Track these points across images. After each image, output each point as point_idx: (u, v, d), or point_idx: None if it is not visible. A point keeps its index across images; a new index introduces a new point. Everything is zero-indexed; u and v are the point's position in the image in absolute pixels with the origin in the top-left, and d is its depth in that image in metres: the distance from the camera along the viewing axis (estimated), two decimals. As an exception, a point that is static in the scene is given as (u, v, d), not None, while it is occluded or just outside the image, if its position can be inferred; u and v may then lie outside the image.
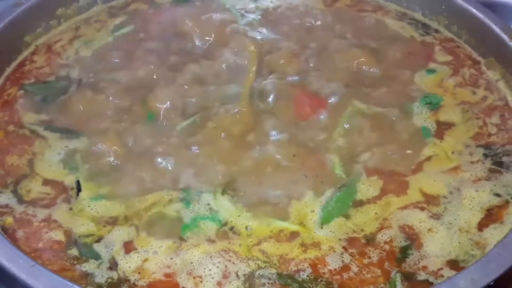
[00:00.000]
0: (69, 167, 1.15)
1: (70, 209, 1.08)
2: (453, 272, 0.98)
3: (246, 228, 1.05)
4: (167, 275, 0.98)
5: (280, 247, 1.02)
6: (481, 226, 1.06)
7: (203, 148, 1.18)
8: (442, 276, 0.98)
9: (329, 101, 1.29)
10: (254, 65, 1.36)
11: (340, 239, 1.03)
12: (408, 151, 1.19)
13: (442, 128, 1.24)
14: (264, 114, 1.26)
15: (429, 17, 1.56)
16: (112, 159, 1.16)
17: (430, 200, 1.10)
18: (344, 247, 1.02)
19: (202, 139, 1.20)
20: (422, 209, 1.09)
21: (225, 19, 1.52)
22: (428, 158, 1.18)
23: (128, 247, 1.03)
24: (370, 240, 1.04)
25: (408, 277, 0.98)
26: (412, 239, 1.04)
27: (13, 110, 1.28)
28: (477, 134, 1.23)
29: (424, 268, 1.00)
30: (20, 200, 1.10)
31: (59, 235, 1.04)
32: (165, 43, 1.46)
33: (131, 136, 1.21)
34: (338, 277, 0.98)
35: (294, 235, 1.04)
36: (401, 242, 1.03)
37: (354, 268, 1.00)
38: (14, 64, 1.40)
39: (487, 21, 1.39)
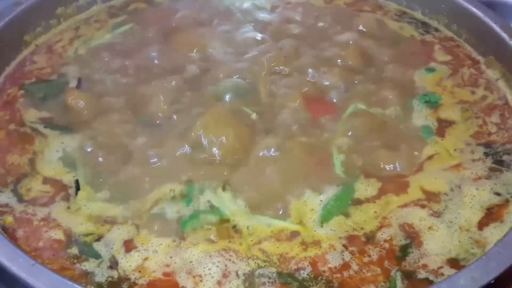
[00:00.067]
0: (68, 165, 1.15)
1: (68, 208, 1.08)
2: (453, 271, 0.98)
3: (247, 228, 1.05)
4: (166, 274, 0.98)
5: (280, 246, 1.02)
6: (481, 224, 1.06)
7: (204, 146, 1.18)
8: (442, 274, 0.98)
9: (329, 100, 1.29)
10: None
11: (340, 237, 1.03)
12: (409, 150, 1.19)
13: (443, 126, 1.24)
14: (264, 113, 1.26)
15: (428, 15, 1.56)
16: (111, 158, 1.16)
17: (431, 197, 1.10)
18: (344, 245, 1.02)
19: (203, 137, 1.20)
20: (423, 206, 1.09)
21: (225, 18, 1.52)
22: (430, 157, 1.18)
23: (129, 245, 1.03)
24: (370, 238, 1.04)
25: (408, 275, 0.98)
26: (412, 237, 1.04)
27: (14, 109, 1.28)
28: (477, 133, 1.23)
29: (424, 266, 1.00)
30: (20, 199, 1.10)
31: (58, 234, 1.04)
32: (164, 42, 1.45)
33: (131, 135, 1.21)
34: (338, 275, 0.98)
35: (294, 234, 1.04)
36: (401, 240, 1.03)
37: (354, 267, 1.00)
38: (14, 63, 1.40)
39: (487, 19, 1.40)
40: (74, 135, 1.21)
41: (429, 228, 1.05)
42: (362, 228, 1.05)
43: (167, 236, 1.04)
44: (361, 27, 1.51)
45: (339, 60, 1.39)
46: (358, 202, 1.10)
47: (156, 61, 1.40)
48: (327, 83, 1.33)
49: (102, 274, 0.98)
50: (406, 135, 1.23)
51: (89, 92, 1.30)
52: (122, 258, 1.00)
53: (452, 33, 1.51)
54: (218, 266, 0.99)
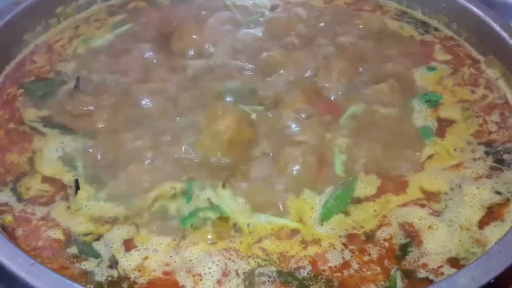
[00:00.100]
0: (68, 165, 1.15)
1: (68, 207, 1.08)
2: (453, 270, 0.97)
3: (248, 225, 1.05)
4: (166, 273, 0.98)
5: (281, 244, 1.02)
6: (482, 224, 1.06)
7: (204, 145, 1.18)
8: (442, 274, 0.98)
9: (330, 100, 1.29)
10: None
11: (340, 236, 1.03)
12: (410, 150, 1.19)
13: (443, 125, 1.24)
14: (264, 113, 1.26)
15: (428, 15, 1.56)
16: (111, 158, 1.16)
17: (430, 196, 1.10)
18: (344, 244, 1.02)
19: (203, 136, 1.20)
20: (423, 206, 1.09)
21: (224, 16, 1.52)
22: (430, 156, 1.18)
23: (128, 245, 1.02)
24: (369, 237, 1.04)
25: (408, 274, 0.98)
26: (412, 236, 1.04)
27: (13, 108, 1.28)
28: (477, 132, 1.23)
29: (424, 265, 1.00)
30: (20, 198, 1.10)
31: (58, 234, 1.04)
32: (164, 41, 1.45)
33: (131, 135, 1.20)
34: (338, 274, 0.98)
35: (294, 232, 1.04)
36: (400, 239, 1.03)
37: (354, 265, 0.99)
38: (13, 62, 1.40)
39: (487, 19, 1.39)
40: (73, 134, 1.21)
41: (429, 227, 1.05)
42: (362, 227, 1.05)
43: (167, 235, 1.04)
44: (361, 27, 1.50)
45: (339, 60, 1.39)
46: (357, 200, 1.10)
47: (155, 61, 1.39)
48: (327, 83, 1.32)
49: (102, 273, 0.98)
50: (406, 134, 1.22)
51: (88, 91, 1.30)
52: (122, 257, 1.00)
53: (452, 33, 1.51)
54: (218, 265, 0.99)
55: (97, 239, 1.03)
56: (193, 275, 0.98)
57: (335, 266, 0.99)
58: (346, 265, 0.99)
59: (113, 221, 1.06)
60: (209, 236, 1.03)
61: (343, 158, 1.17)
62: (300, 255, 1.01)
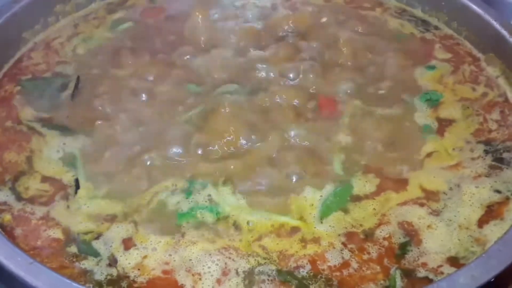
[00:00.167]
0: (67, 165, 1.15)
1: (68, 207, 1.08)
2: (453, 269, 0.97)
3: (247, 223, 1.05)
4: (165, 272, 0.98)
5: (280, 242, 1.02)
6: (481, 222, 1.06)
7: (206, 144, 1.18)
8: (442, 273, 0.98)
9: (330, 98, 1.29)
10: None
11: (339, 234, 1.03)
12: (410, 149, 1.19)
13: (443, 125, 1.24)
14: (265, 112, 1.26)
15: (428, 13, 1.56)
16: (111, 157, 1.16)
17: (429, 196, 1.10)
18: (343, 243, 1.02)
19: (204, 136, 1.19)
20: (422, 205, 1.08)
21: (224, 15, 1.52)
22: (429, 155, 1.18)
23: (127, 243, 1.02)
24: (368, 235, 1.04)
25: (407, 273, 0.98)
26: (411, 235, 1.04)
27: (10, 106, 1.27)
28: (478, 131, 1.23)
29: (424, 265, 0.99)
30: (18, 197, 1.10)
31: (57, 233, 1.04)
32: (163, 40, 1.45)
33: (130, 134, 1.20)
34: (337, 273, 0.98)
35: (294, 230, 1.04)
36: (400, 238, 1.03)
37: (354, 264, 0.99)
38: (12, 60, 1.40)
39: (487, 17, 1.39)
40: (72, 134, 1.21)
41: (428, 226, 1.05)
42: (361, 225, 1.05)
43: (166, 234, 1.03)
44: (361, 25, 1.50)
45: (339, 59, 1.39)
46: (357, 198, 1.10)
47: (155, 59, 1.39)
48: (327, 82, 1.32)
49: (101, 272, 0.98)
50: (406, 133, 1.22)
51: (87, 90, 1.29)
52: (121, 256, 1.00)
53: (452, 31, 1.50)
54: (217, 264, 0.99)
55: (97, 237, 1.03)
56: (193, 274, 0.98)
57: (335, 266, 0.99)
58: (345, 264, 0.99)
59: (111, 219, 1.06)
60: (209, 235, 1.03)
61: (343, 156, 1.16)
62: (299, 254, 1.01)
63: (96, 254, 1.01)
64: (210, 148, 1.17)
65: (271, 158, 1.16)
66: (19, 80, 1.34)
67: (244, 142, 1.18)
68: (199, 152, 1.16)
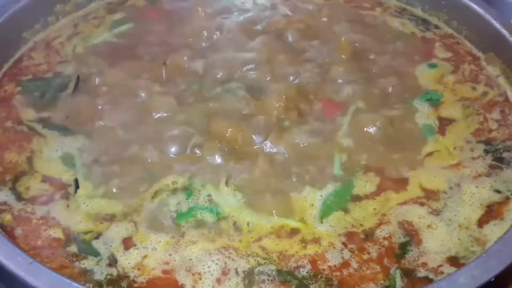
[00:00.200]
0: (67, 165, 1.15)
1: (68, 206, 1.08)
2: (453, 269, 0.97)
3: (248, 224, 1.05)
4: (165, 272, 0.98)
5: (280, 243, 1.02)
6: (481, 222, 1.06)
7: (206, 144, 1.18)
8: (442, 272, 0.98)
9: (330, 98, 1.29)
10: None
11: (339, 234, 1.03)
12: (410, 149, 1.19)
13: (444, 124, 1.24)
14: (265, 111, 1.25)
15: (429, 12, 1.56)
16: (111, 157, 1.16)
17: (430, 195, 1.10)
18: (343, 243, 1.02)
19: (204, 136, 1.19)
20: (422, 204, 1.08)
21: (224, 14, 1.52)
22: (429, 154, 1.18)
23: (127, 243, 1.02)
24: (369, 235, 1.03)
25: (407, 273, 0.98)
26: (411, 235, 1.04)
27: (10, 106, 1.27)
28: (478, 130, 1.23)
29: (424, 264, 0.99)
30: (19, 198, 1.10)
31: (57, 233, 1.04)
32: (163, 40, 1.45)
33: (130, 133, 1.20)
34: (338, 273, 0.98)
35: (294, 231, 1.04)
36: (400, 238, 1.03)
37: (354, 264, 0.99)
38: (12, 60, 1.40)
39: (487, 16, 1.39)
40: (73, 133, 1.21)
41: (428, 226, 1.05)
42: (361, 225, 1.05)
43: (166, 233, 1.03)
44: (361, 24, 1.50)
45: (339, 58, 1.39)
46: (357, 198, 1.10)
47: (155, 59, 1.39)
48: (328, 82, 1.32)
49: (101, 272, 0.98)
50: (407, 133, 1.22)
51: (87, 90, 1.29)
52: (121, 256, 1.00)
53: (452, 30, 1.50)
54: (217, 264, 0.99)
55: (97, 237, 1.03)
56: (193, 274, 0.98)
57: (335, 265, 0.99)
58: (345, 264, 0.99)
59: (111, 218, 1.06)
60: (209, 235, 1.03)
61: (343, 156, 1.16)
62: (299, 254, 1.01)
63: (96, 253, 1.01)
64: (210, 148, 1.17)
65: (271, 158, 1.16)
66: (19, 80, 1.34)
67: (245, 142, 1.18)
68: (199, 152, 1.16)
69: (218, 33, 1.47)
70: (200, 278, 0.97)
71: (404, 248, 1.02)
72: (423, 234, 1.04)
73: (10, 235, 1.02)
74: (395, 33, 1.50)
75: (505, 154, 1.18)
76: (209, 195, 1.09)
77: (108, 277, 0.98)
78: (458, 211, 1.07)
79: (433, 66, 1.39)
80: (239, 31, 1.47)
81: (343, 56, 1.39)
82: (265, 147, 1.18)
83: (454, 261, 1.00)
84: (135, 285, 0.96)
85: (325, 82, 1.32)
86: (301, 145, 1.18)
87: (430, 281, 0.96)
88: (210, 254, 1.00)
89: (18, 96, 1.30)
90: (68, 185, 1.11)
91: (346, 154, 1.17)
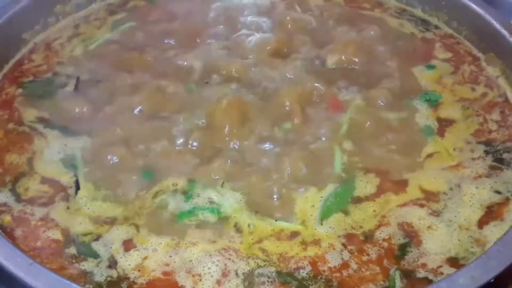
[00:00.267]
0: (68, 166, 1.15)
1: (68, 208, 1.08)
2: (452, 270, 0.97)
3: (248, 226, 1.05)
4: (166, 273, 0.98)
5: (280, 245, 1.02)
6: (481, 223, 1.06)
7: (206, 144, 1.18)
8: (441, 273, 0.98)
9: (331, 98, 1.29)
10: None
11: (339, 236, 1.03)
12: (410, 150, 1.19)
13: (443, 125, 1.24)
14: (266, 111, 1.26)
15: (428, 12, 1.56)
16: (111, 158, 1.16)
17: (430, 196, 1.10)
18: (343, 244, 1.02)
19: (205, 136, 1.20)
20: (422, 205, 1.08)
21: (224, 14, 1.52)
22: (430, 155, 1.18)
23: (128, 245, 1.02)
24: (368, 237, 1.03)
25: (407, 274, 0.98)
26: (411, 236, 1.04)
27: (12, 108, 1.28)
28: (478, 131, 1.23)
29: (424, 265, 0.99)
30: (18, 199, 1.10)
31: (57, 234, 1.04)
32: (163, 41, 1.45)
33: (131, 134, 1.20)
34: (337, 274, 0.98)
35: (295, 233, 1.04)
36: (399, 239, 1.03)
37: (353, 266, 0.99)
38: (12, 61, 1.40)
39: (487, 17, 1.39)
40: (73, 135, 1.21)
41: (428, 227, 1.05)
42: (361, 227, 1.05)
43: (166, 235, 1.03)
44: (361, 25, 1.50)
45: (339, 58, 1.39)
46: (357, 200, 1.10)
47: (155, 60, 1.39)
48: (328, 82, 1.32)
49: (101, 274, 0.98)
50: (407, 134, 1.22)
51: (87, 91, 1.29)
52: (121, 258, 1.00)
53: (452, 30, 1.50)
54: (217, 265, 0.99)
55: (96, 239, 1.03)
56: (193, 275, 0.98)
57: (335, 267, 0.99)
58: (345, 265, 0.99)
59: (111, 221, 1.06)
60: (209, 236, 1.03)
61: (344, 157, 1.16)
62: (299, 256, 1.01)
63: (95, 255, 1.01)
64: (211, 148, 1.17)
65: (272, 158, 1.16)
66: (20, 82, 1.34)
67: (245, 142, 1.19)
68: (200, 152, 1.16)
69: (218, 33, 1.47)
70: (200, 280, 0.97)
71: (403, 249, 1.02)
72: (423, 235, 1.04)
73: (10, 236, 1.02)
74: (395, 33, 1.50)
75: (505, 155, 1.18)
76: (209, 197, 1.09)
77: (108, 278, 0.97)
78: (458, 212, 1.07)
79: (431, 67, 1.38)
80: (240, 31, 1.47)
81: (343, 56, 1.39)
82: (265, 147, 1.18)
83: (454, 262, 1.00)
84: (135, 286, 0.96)
85: (325, 82, 1.32)
86: (302, 145, 1.18)
87: (430, 282, 0.96)
88: (210, 255, 1.00)
89: (20, 98, 1.30)
90: (68, 187, 1.11)
91: (346, 155, 1.17)
